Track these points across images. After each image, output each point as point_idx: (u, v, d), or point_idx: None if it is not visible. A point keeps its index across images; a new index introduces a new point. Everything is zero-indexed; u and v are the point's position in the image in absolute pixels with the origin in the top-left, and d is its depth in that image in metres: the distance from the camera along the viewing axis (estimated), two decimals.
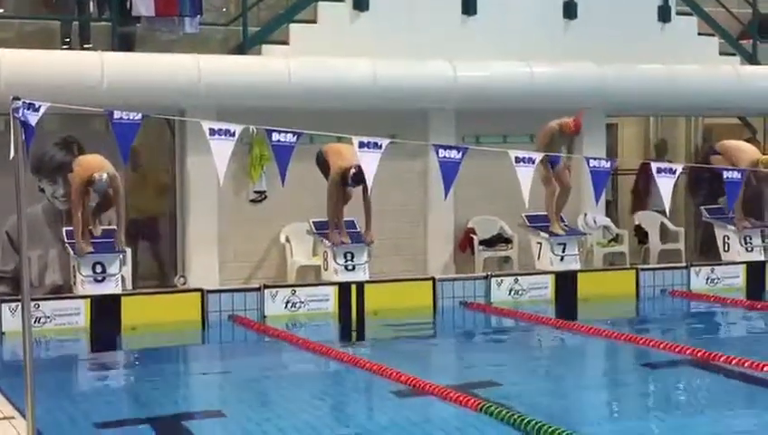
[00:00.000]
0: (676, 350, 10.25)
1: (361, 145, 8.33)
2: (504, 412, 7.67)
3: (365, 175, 8.60)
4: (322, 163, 13.01)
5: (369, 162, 8.43)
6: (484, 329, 12.96)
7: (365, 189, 12.62)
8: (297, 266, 13.65)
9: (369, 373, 9.45)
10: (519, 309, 13.01)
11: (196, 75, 13.03)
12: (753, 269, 14.85)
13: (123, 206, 12.06)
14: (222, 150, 7.86)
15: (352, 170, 12.23)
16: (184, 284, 13.24)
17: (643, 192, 16.63)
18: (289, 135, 8.11)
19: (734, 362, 9.54)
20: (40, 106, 6.83)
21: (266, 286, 12.85)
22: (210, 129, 7.84)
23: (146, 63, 13.02)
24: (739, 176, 10.39)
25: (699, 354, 9.95)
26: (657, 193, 9.39)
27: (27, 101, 6.76)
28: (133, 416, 8.32)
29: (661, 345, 10.45)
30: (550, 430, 7.12)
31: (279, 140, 8.15)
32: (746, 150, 14.87)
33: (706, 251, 15.80)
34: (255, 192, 13.86)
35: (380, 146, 8.34)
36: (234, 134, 7.86)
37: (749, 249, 15.07)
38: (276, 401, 8.92)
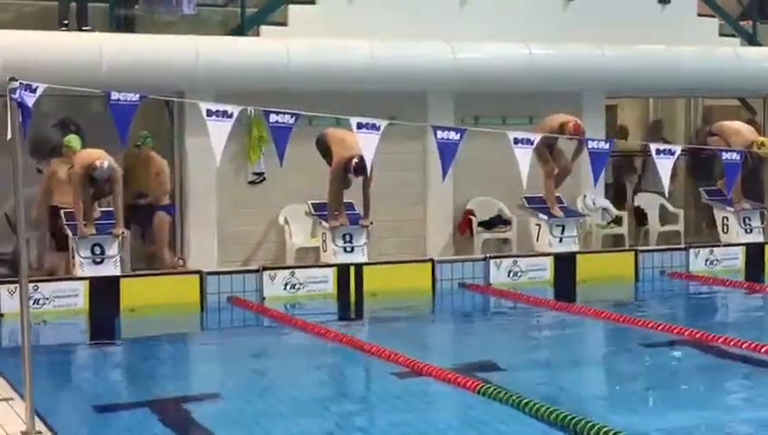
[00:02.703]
0: (675, 331, 10.27)
1: (360, 126, 8.31)
2: (502, 393, 7.68)
3: (366, 165, 8.60)
4: (324, 148, 12.99)
5: (368, 144, 8.41)
6: (483, 311, 12.97)
7: (366, 179, 12.66)
8: (296, 248, 13.64)
9: (367, 355, 9.46)
10: (518, 291, 13.02)
11: (195, 57, 12.99)
12: (753, 251, 14.86)
13: (120, 194, 12.06)
14: (220, 132, 7.84)
15: (354, 160, 12.20)
16: (182, 265, 13.24)
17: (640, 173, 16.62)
18: (287, 116, 8.09)
19: (732, 343, 9.56)
20: (37, 87, 6.81)
21: (265, 268, 12.85)
22: (208, 110, 7.82)
23: (144, 45, 12.97)
24: (737, 157, 10.37)
25: (698, 336, 9.97)
26: (653, 175, 9.39)
27: (24, 83, 6.74)
28: (132, 398, 8.33)
29: (660, 327, 10.46)
30: (548, 411, 7.13)
31: (277, 122, 8.13)
32: (741, 132, 14.83)
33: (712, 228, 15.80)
34: (254, 174, 13.84)
35: (379, 127, 8.32)
36: (231, 115, 7.84)
37: (748, 231, 15.07)
38: (275, 383, 8.94)
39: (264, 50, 13.54)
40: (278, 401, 8.14)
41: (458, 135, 8.73)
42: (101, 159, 11.81)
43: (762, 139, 14.41)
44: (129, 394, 8.59)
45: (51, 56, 12.21)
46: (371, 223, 13.08)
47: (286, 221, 13.82)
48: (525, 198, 14.01)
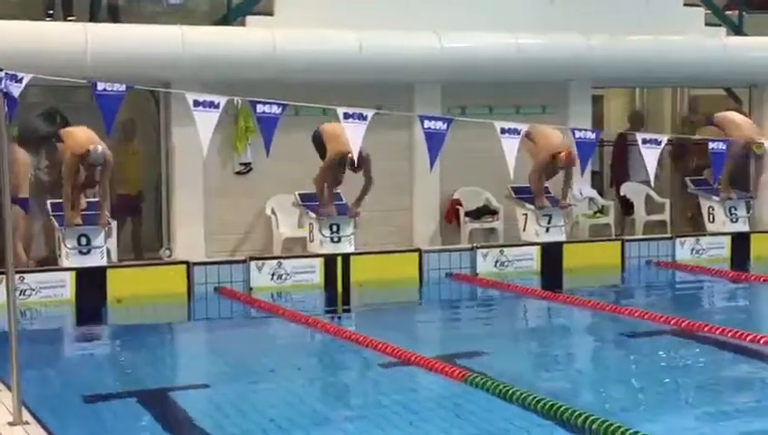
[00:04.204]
0: (661, 320, 10.31)
1: (346, 116, 8.32)
2: (489, 383, 7.70)
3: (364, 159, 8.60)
4: (319, 143, 12.95)
5: (355, 134, 8.43)
6: (470, 300, 13.00)
7: (367, 170, 12.63)
8: (283, 238, 13.64)
9: (354, 345, 9.48)
10: (505, 280, 13.04)
11: (180, 47, 12.96)
12: (738, 240, 14.92)
13: (108, 181, 12.04)
14: (206, 122, 7.85)
15: (350, 155, 12.06)
16: (169, 256, 13.22)
17: (620, 164, 16.63)
18: (274, 107, 8.09)
19: (718, 331, 9.61)
20: (23, 77, 6.79)
21: (252, 258, 12.85)
22: (194, 100, 7.82)
23: (130, 34, 12.93)
24: (724, 147, 10.40)
25: (683, 325, 10.01)
26: (635, 165, 9.41)
27: (10, 73, 6.72)
28: (120, 389, 8.32)
29: (646, 316, 10.50)
30: (535, 400, 7.15)
31: (264, 112, 8.13)
32: (741, 127, 14.83)
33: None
34: (241, 164, 13.83)
35: (366, 117, 8.32)
36: (218, 106, 7.84)
37: (734, 220, 15.13)
38: (262, 373, 8.93)
39: (251, 40, 13.52)
40: (265, 392, 8.14)
41: (445, 125, 8.74)
42: (95, 143, 11.74)
43: (761, 141, 14.36)
44: (116, 384, 8.57)
45: (36, 46, 12.15)
46: (357, 214, 13.08)
47: (273, 211, 13.82)
48: (512, 187, 14.03)
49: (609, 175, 17.25)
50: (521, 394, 7.30)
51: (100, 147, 11.71)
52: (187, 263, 12.51)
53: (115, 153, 12.37)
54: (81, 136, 11.91)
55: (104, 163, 11.81)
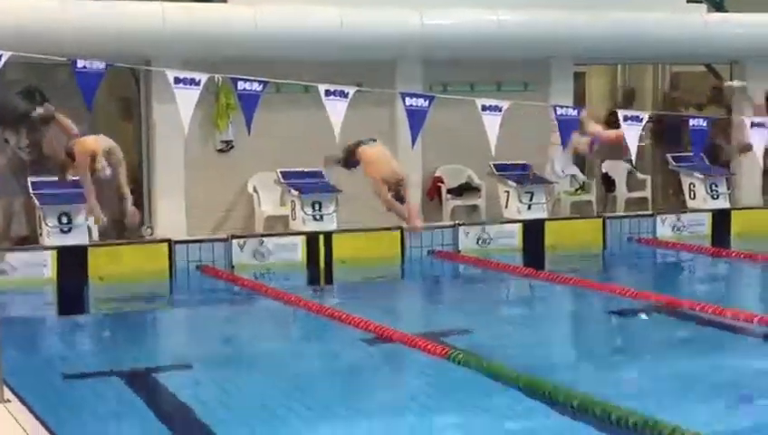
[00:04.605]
0: (642, 297, 10.35)
1: (328, 93, 8.30)
2: (471, 359, 7.73)
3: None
4: (350, 160, 12.08)
5: (336, 111, 8.41)
6: (453, 278, 13.02)
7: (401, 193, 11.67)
8: (265, 216, 13.62)
9: (337, 322, 9.48)
10: (487, 258, 13.07)
11: (161, 23, 12.88)
12: (719, 217, 14.98)
13: (125, 175, 11.68)
14: (187, 99, 7.82)
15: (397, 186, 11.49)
16: (151, 234, 13.18)
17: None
18: (255, 84, 8.07)
19: (698, 308, 9.66)
20: (1, 55, 6.74)
21: (234, 236, 12.83)
22: (175, 78, 7.79)
23: (110, 11, 12.83)
24: (705, 124, 10.40)
25: (664, 301, 10.06)
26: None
27: None
28: (102, 368, 8.30)
29: (627, 293, 10.55)
30: (516, 376, 7.18)
31: (245, 89, 8.11)
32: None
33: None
34: (222, 142, 13.78)
35: (347, 94, 8.31)
36: (199, 83, 7.82)
37: (714, 197, 15.19)
38: (245, 351, 8.95)
39: (232, 16, 13.44)
40: (248, 370, 8.15)
41: (427, 102, 8.74)
42: (96, 150, 11.30)
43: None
44: (98, 363, 8.56)
45: (15, 23, 12.05)
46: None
47: (255, 189, 13.79)
48: (494, 165, 14.04)
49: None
50: (503, 370, 7.33)
51: (108, 169, 11.39)
52: (168, 241, 12.48)
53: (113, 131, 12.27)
54: (89, 146, 11.52)
55: (113, 173, 11.45)
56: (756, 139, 12.77)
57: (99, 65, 7.43)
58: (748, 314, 9.17)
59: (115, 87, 13.66)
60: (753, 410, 6.73)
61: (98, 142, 11.48)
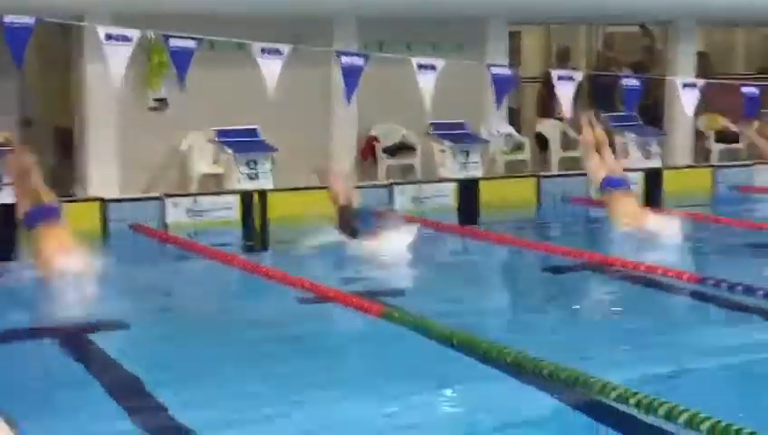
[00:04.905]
0: (576, 255, 10.47)
1: (262, 52, 8.25)
2: (406, 318, 7.76)
3: None
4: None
5: (271, 69, 8.36)
6: None
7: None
8: (199, 175, 13.52)
9: (272, 281, 9.47)
10: (422, 216, 13.10)
11: None
12: (651, 176, 15.16)
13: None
14: (118, 57, 7.74)
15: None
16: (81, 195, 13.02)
17: (546, 100, 16.76)
18: (188, 41, 7.99)
19: (630, 265, 9.79)
20: None
21: (168, 195, 12.73)
22: (106, 34, 7.70)
23: None
24: (638, 84, 10.55)
25: (597, 259, 10.18)
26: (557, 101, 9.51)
27: None
28: (35, 326, 8.22)
29: (561, 250, 10.66)
30: (450, 332, 7.23)
31: (178, 47, 8.04)
32: None
33: None
34: (156, 100, 13.63)
35: (282, 53, 8.26)
36: (131, 40, 7.72)
37: (647, 156, 15.36)
38: (180, 311, 8.90)
39: None
40: (183, 329, 8.12)
41: (362, 61, 8.73)
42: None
43: None
44: (30, 322, 8.47)
45: None
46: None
47: (189, 148, 13.67)
48: (430, 124, 14.06)
49: (536, 111, 17.34)
50: (437, 328, 7.38)
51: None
52: (101, 200, 12.34)
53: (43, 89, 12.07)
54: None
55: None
56: (687, 99, 12.99)
57: (28, 20, 7.30)
58: (677, 272, 9.31)
59: (45, 43, 13.43)
60: (678, 362, 6.86)
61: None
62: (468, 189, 14.07)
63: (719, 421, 5.16)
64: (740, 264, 10.34)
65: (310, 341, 7.66)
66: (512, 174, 15.31)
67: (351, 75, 8.72)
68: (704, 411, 5.28)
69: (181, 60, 8.10)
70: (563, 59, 17.27)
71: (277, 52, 8.34)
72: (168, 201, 12.59)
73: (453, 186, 14.06)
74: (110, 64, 7.75)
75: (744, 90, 13.62)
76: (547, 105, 16.73)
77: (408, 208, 13.51)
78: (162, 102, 13.61)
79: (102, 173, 13.23)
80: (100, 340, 7.72)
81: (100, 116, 13.22)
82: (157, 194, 12.92)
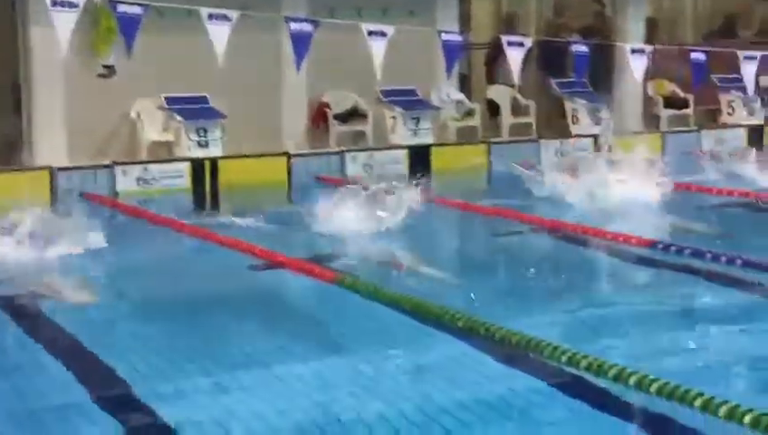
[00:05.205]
0: (527, 220, 10.55)
1: (210, 17, 8.18)
2: (358, 284, 7.78)
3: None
4: None
5: (219, 36, 8.30)
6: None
7: None
8: (149, 142, 13.42)
9: (224, 248, 9.45)
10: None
11: None
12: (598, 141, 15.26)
13: None
14: (65, 22, 7.63)
15: None
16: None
17: (493, 65, 16.77)
18: (135, 6, 7.90)
19: (581, 230, 9.89)
20: None
21: (117, 163, 12.62)
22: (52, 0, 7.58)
23: None
24: (587, 49, 10.60)
25: (549, 224, 10.26)
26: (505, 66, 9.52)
27: None
28: None
29: (510, 215, 10.74)
30: (400, 297, 7.26)
31: (125, 12, 7.95)
32: None
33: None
34: (104, 66, 13.47)
35: (230, 19, 8.19)
36: (77, 5, 7.61)
37: (596, 122, 15.45)
38: (130, 279, 8.84)
39: None
40: (133, 298, 8.08)
41: (312, 27, 8.68)
42: None
43: None
44: None
45: None
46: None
47: (138, 115, 13.56)
48: (381, 90, 14.04)
49: (485, 77, 17.35)
50: (390, 295, 7.40)
51: None
52: (50, 168, 12.21)
53: None
54: None
55: None
56: (636, 65, 13.07)
57: None
58: (627, 236, 9.41)
59: None
60: (619, 322, 6.98)
61: None
62: (419, 156, 14.09)
63: (667, 383, 5.23)
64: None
65: (261, 307, 7.66)
66: (463, 140, 15.34)
67: (301, 42, 8.68)
68: (651, 374, 5.36)
69: (129, 26, 8.02)
70: (510, 25, 17.23)
71: (225, 18, 8.28)
72: (118, 169, 12.49)
73: (404, 153, 14.07)
74: (56, 30, 7.64)
75: (692, 55, 13.74)
76: (492, 72, 16.75)
77: (360, 175, 13.49)
78: (110, 69, 13.46)
79: (51, 141, 13.09)
80: (47, 309, 7.66)
81: (47, 83, 13.06)
82: (106, 162, 12.80)
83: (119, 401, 5.63)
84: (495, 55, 16.53)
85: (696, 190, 12.34)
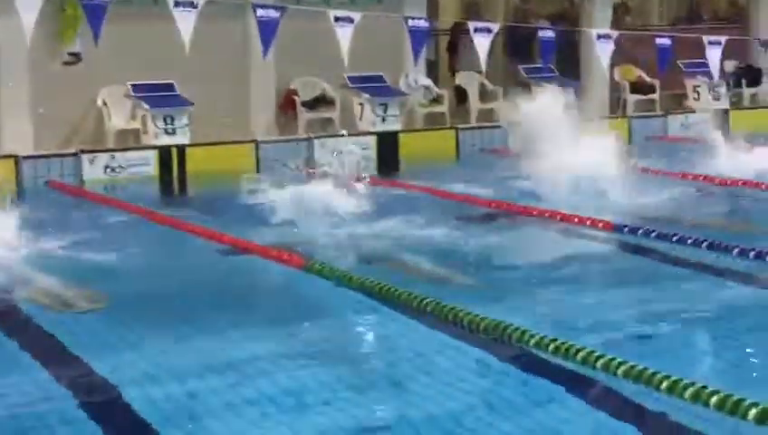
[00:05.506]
0: (493, 205, 10.61)
1: (176, 5, 8.16)
2: (326, 269, 7.81)
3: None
4: None
5: (186, 23, 8.28)
6: None
7: None
8: (115, 130, 13.36)
9: (192, 235, 9.44)
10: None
11: None
12: None
13: None
14: (30, 10, 7.58)
15: None
16: None
17: (454, 53, 16.80)
18: None
19: (547, 214, 9.97)
20: None
21: (84, 151, 12.57)
22: None
23: None
24: (553, 35, 10.64)
25: (514, 208, 10.33)
26: (468, 53, 9.52)
27: None
28: None
29: (478, 201, 10.79)
30: (368, 282, 7.29)
31: (91, 0, 7.90)
32: None
33: None
34: (70, 54, 13.39)
35: (196, 6, 8.18)
36: None
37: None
38: (99, 267, 8.81)
39: None
40: (103, 284, 8.06)
41: (278, 13, 8.68)
42: None
43: None
44: None
45: None
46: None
47: (105, 103, 13.50)
48: (348, 77, 14.04)
49: (447, 64, 17.40)
50: (357, 279, 7.44)
51: None
52: (15, 157, 12.14)
53: None
54: None
55: None
56: (602, 51, 13.14)
57: None
58: (582, 218, 9.54)
59: None
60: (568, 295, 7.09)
61: None
62: (387, 142, 14.10)
63: (634, 366, 5.30)
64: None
65: (230, 293, 7.67)
66: (430, 126, 15.37)
67: (268, 28, 8.67)
68: (619, 357, 5.43)
69: (95, 14, 7.98)
70: (477, 11, 17.26)
71: (191, 5, 8.25)
72: (85, 157, 12.43)
73: (372, 139, 14.08)
74: (21, 17, 7.60)
75: (658, 41, 13.82)
76: (453, 59, 16.79)
77: (328, 162, 13.48)
78: (76, 57, 13.38)
79: (15, 129, 12.99)
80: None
81: (12, 70, 12.96)
82: (73, 150, 12.74)
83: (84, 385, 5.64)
84: (456, 42, 16.60)
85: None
